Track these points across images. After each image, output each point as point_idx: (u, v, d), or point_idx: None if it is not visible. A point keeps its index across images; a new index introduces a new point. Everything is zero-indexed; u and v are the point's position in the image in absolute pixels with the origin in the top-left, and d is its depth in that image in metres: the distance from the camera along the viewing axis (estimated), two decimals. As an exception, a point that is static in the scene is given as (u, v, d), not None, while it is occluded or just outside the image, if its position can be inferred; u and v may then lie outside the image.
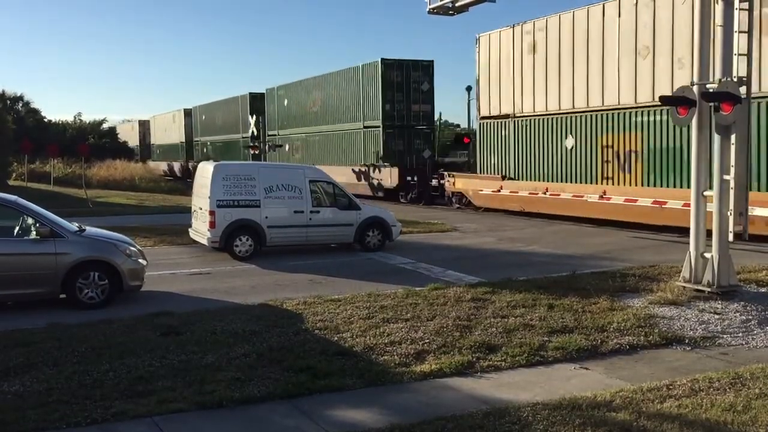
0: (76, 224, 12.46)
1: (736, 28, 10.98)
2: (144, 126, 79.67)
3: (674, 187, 20.45)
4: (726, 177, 11.02)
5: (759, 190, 17.88)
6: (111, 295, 11.75)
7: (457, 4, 16.69)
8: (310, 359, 8.32)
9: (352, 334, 9.38)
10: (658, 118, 20.91)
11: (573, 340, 9.07)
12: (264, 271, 15.25)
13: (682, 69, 19.63)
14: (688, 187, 13.15)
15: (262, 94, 51.06)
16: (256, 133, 49.73)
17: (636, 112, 21.71)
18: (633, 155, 21.87)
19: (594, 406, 6.85)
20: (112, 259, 11.76)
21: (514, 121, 26.96)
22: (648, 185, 21.44)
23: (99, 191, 41.49)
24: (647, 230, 20.92)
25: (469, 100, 43.14)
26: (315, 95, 42.34)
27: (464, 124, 53.84)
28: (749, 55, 11.19)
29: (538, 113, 25.75)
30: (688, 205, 12.21)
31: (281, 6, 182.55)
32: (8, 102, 63.76)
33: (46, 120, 71.37)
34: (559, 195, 23.91)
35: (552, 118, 25.13)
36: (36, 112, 69.76)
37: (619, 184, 22.29)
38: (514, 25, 26.81)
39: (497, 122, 27.95)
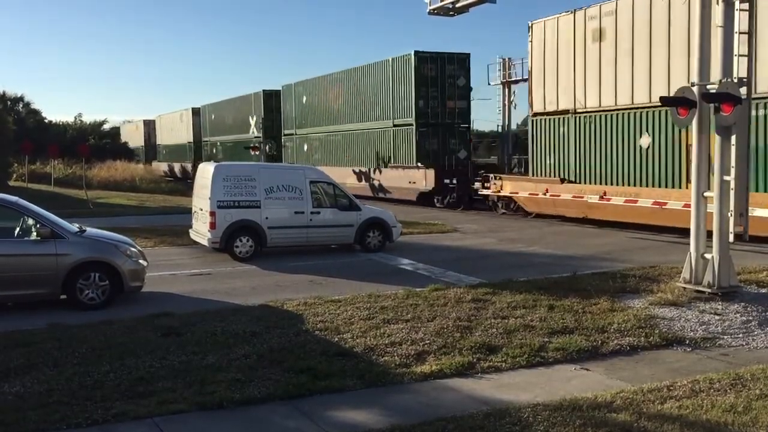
0: (77, 225, 12.47)
1: (736, 28, 10.98)
2: (149, 126, 77.49)
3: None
4: (726, 178, 11.02)
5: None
6: (111, 296, 11.75)
7: (457, 5, 16.68)
8: (311, 360, 8.32)
9: (352, 335, 9.38)
10: (761, 112, 18.06)
11: (573, 341, 9.07)
12: (264, 271, 15.25)
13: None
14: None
15: (277, 92, 48.72)
16: (256, 133, 49.67)
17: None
18: None
19: (594, 407, 6.85)
20: (112, 260, 11.76)
21: (575, 117, 24.22)
22: (760, 190, 18.05)
23: (99, 192, 41.51)
24: (649, 232, 20.91)
25: (509, 99, 39.70)
26: (338, 91, 39.69)
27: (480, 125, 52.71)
28: (750, 55, 11.19)
29: (605, 108, 22.97)
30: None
31: (281, 6, 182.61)
32: (9, 103, 63.77)
33: (46, 121, 71.44)
34: (636, 202, 20.67)
35: (622, 114, 22.36)
36: (36, 112, 69.84)
37: (712, 188, 18.72)
38: (575, 10, 23.81)
39: (554, 119, 25.17)
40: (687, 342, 9.28)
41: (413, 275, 14.69)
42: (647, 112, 21.43)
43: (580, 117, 24.15)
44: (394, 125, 33.99)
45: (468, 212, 28.65)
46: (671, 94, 19.79)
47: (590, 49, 23.24)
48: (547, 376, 8.09)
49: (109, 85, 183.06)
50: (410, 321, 10.09)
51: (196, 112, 63.56)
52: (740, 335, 9.57)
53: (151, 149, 76.09)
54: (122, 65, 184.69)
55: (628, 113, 22.05)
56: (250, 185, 16.76)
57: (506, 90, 40.24)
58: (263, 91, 49.80)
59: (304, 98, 43.92)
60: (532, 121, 26.51)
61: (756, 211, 15.51)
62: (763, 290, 11.96)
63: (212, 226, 16.42)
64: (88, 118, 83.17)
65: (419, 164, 31.74)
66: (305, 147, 43.63)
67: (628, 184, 21.89)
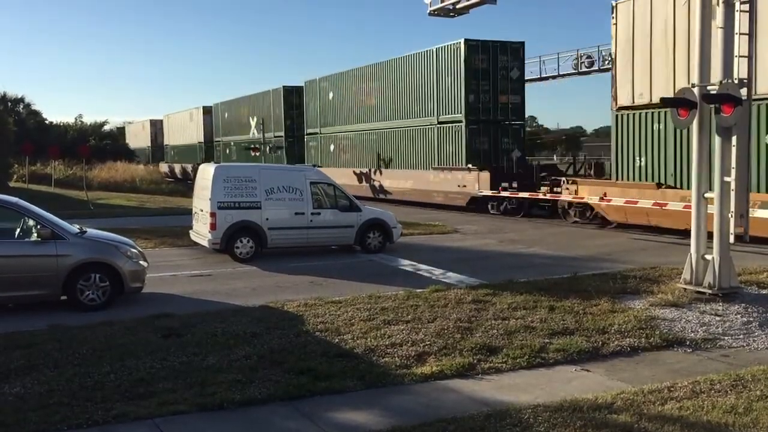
0: (77, 226, 12.47)
1: (736, 29, 10.99)
2: (156, 126, 74.64)
3: None
4: (727, 179, 11.02)
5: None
6: (112, 297, 11.75)
7: (457, 6, 16.72)
8: (311, 361, 8.31)
9: (353, 336, 9.38)
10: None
11: (574, 342, 9.06)
12: (265, 272, 15.25)
13: None
14: None
15: (299, 88, 45.33)
16: (257, 134, 49.35)
17: None
18: None
19: (595, 408, 6.84)
20: (113, 261, 11.77)
21: None
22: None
23: (100, 193, 41.54)
24: (650, 232, 20.91)
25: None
26: (371, 86, 36.12)
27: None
28: (750, 56, 11.19)
29: None
30: None
31: (281, 6, 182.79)
32: (9, 104, 63.91)
33: (47, 122, 71.52)
34: None
35: None
36: (37, 113, 70.00)
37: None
38: None
39: (645, 113, 21.53)
40: (687, 343, 9.28)
41: (414, 276, 14.69)
42: None
43: None
44: (439, 122, 30.73)
45: (533, 221, 25.26)
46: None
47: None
48: (548, 377, 8.09)
49: (110, 86, 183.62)
50: (411, 322, 10.09)
51: (207, 110, 60.59)
52: (741, 336, 9.56)
53: (158, 150, 73.59)
54: (122, 65, 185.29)
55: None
56: (250, 186, 16.76)
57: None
58: (283, 87, 46.68)
59: (331, 94, 40.62)
60: (617, 116, 22.55)
61: (756, 212, 15.49)
62: (764, 291, 11.96)
63: (213, 227, 16.43)
64: (88, 119, 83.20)
65: (470, 166, 28.45)
66: (331, 147, 40.64)
67: (757, 190, 17.64)
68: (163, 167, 66.20)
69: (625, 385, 7.67)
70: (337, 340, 9.24)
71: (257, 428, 6.69)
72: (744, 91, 10.96)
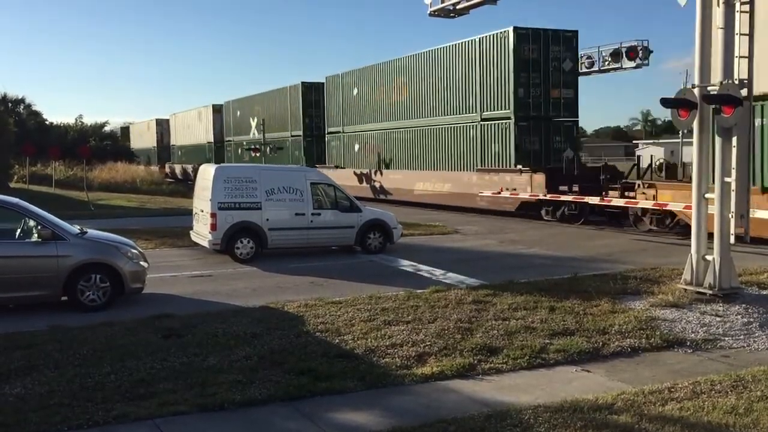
0: (78, 227, 12.47)
1: (737, 30, 10.99)
2: (162, 126, 71.52)
3: None
4: (727, 179, 11.02)
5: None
6: (112, 298, 11.75)
7: (458, 7, 16.73)
8: (312, 361, 8.32)
9: (353, 337, 9.38)
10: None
11: (574, 343, 9.06)
12: (265, 273, 15.25)
13: None
14: None
15: (319, 84, 42.67)
16: (257, 135, 49.06)
17: None
18: None
19: (595, 408, 6.84)
20: (113, 262, 11.77)
21: None
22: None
23: (100, 194, 41.57)
24: (649, 233, 20.91)
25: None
26: (403, 80, 33.30)
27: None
28: (750, 57, 11.19)
29: None
30: None
31: (281, 6, 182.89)
32: (10, 105, 63.95)
33: (47, 122, 71.59)
34: None
35: None
36: (37, 114, 70.10)
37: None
38: None
39: None
40: (688, 343, 9.28)
41: (414, 277, 14.69)
42: None
43: None
44: (483, 119, 27.90)
45: (599, 229, 22.96)
46: None
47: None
48: (548, 377, 8.09)
49: (110, 86, 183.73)
50: (411, 322, 10.09)
51: (216, 109, 57.91)
52: (741, 337, 9.56)
53: (164, 150, 70.48)
54: (122, 65, 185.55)
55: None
56: (250, 187, 16.77)
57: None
58: (302, 83, 43.87)
59: (355, 90, 37.74)
60: (756, 108, 16.30)
61: (757, 213, 15.47)
62: (764, 292, 11.95)
63: (213, 227, 16.43)
64: (88, 120, 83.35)
65: (522, 167, 25.77)
66: (356, 147, 37.79)
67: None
68: (175, 169, 63.54)
69: (626, 385, 7.67)
70: (337, 341, 9.24)
71: (258, 429, 6.69)
72: (744, 92, 10.96)
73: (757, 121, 16.73)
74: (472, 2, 16.40)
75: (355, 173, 36.99)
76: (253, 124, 50.19)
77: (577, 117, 28.10)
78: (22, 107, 67.57)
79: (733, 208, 10.98)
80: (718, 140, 11.25)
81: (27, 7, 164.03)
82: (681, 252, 14.64)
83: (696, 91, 11.34)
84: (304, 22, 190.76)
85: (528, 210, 25.71)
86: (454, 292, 12.03)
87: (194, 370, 8.09)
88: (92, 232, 12.64)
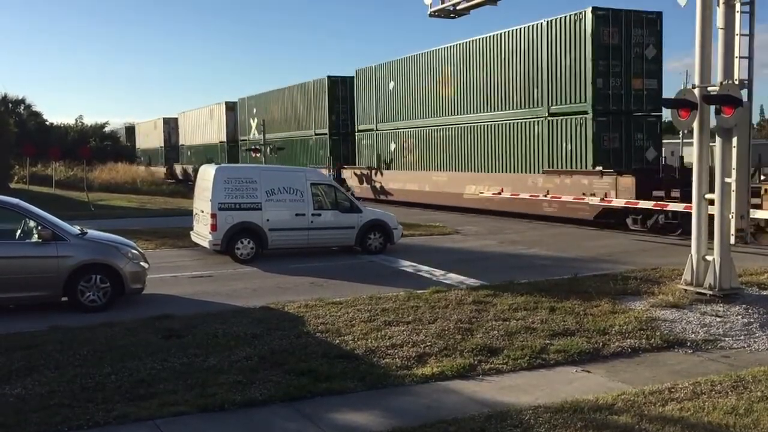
0: (78, 227, 12.47)
1: (737, 30, 10.99)
2: (169, 125, 67.83)
3: None
4: (728, 180, 11.02)
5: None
6: (112, 298, 11.75)
7: (458, 8, 16.73)
8: (312, 362, 8.31)
9: (353, 337, 9.38)
10: None
11: (574, 343, 9.06)
12: (265, 273, 15.25)
13: None
14: None
15: (346, 78, 39.71)
16: (257, 135, 48.79)
17: None
18: None
19: (596, 409, 6.84)
20: (113, 262, 11.77)
21: None
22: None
23: (101, 194, 41.58)
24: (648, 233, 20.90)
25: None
26: (449, 72, 29.96)
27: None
28: (750, 57, 11.19)
29: None
30: None
31: (282, 6, 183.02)
32: (10, 105, 64.00)
33: (47, 123, 71.64)
34: None
35: None
36: (38, 115, 70.17)
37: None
38: None
39: None
40: (688, 344, 9.28)
41: (414, 277, 14.69)
42: None
43: None
44: (551, 114, 24.59)
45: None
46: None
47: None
48: (549, 378, 8.09)
49: (110, 87, 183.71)
50: (411, 323, 10.09)
51: (230, 106, 54.44)
52: (741, 337, 9.56)
53: (172, 150, 66.78)
54: (123, 66, 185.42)
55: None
56: (251, 187, 16.77)
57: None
58: (328, 77, 40.33)
59: (392, 84, 34.42)
60: None
61: (757, 213, 15.47)
62: (765, 292, 11.95)
63: (213, 228, 16.43)
64: (89, 120, 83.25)
65: (603, 168, 22.40)
66: (392, 146, 34.63)
67: None
68: (176, 169, 61.09)
69: (626, 386, 7.67)
70: (337, 341, 9.24)
71: (258, 429, 6.69)
72: (744, 92, 10.96)
73: None
74: (472, 3, 16.38)
75: (418, 175, 32.51)
76: (254, 124, 49.60)
77: (662, 111, 24.15)
78: (22, 108, 67.67)
79: (733, 208, 10.98)
80: (718, 140, 11.26)
81: (27, 7, 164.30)
82: (681, 252, 14.64)
83: (696, 91, 11.35)
84: (304, 22, 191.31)
85: (608, 218, 22.55)
86: (455, 293, 12.03)
87: (194, 370, 8.09)
88: (92, 232, 12.64)
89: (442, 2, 16.86)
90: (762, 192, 19.18)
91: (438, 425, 6.50)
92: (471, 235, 22.07)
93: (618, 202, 21.03)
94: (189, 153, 61.94)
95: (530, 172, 25.34)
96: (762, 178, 23.39)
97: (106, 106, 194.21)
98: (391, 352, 8.75)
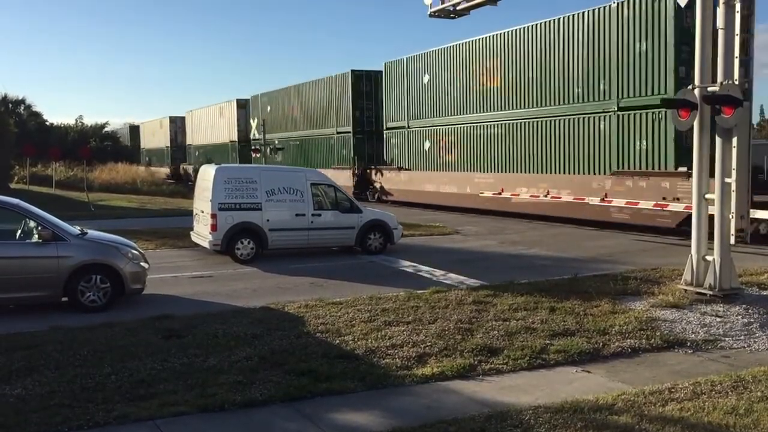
0: (78, 227, 12.47)
1: (737, 31, 10.99)
2: (176, 123, 65.54)
3: None
4: (728, 180, 11.03)
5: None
6: (113, 299, 11.75)
7: (458, 8, 16.73)
8: (312, 362, 8.32)
9: (353, 337, 9.38)
10: None
11: (575, 343, 9.06)
12: (265, 274, 15.26)
13: None
14: None
15: (371, 73, 37.44)
16: (257, 135, 48.58)
17: None
18: None
19: (596, 409, 6.84)
20: (114, 263, 11.77)
21: None
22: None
23: (101, 194, 41.59)
24: (648, 233, 20.89)
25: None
26: (495, 64, 27.20)
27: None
28: (750, 58, 11.20)
29: None
30: None
31: (281, 6, 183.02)
32: (10, 105, 64.05)
33: (47, 123, 71.68)
34: None
35: None
36: (38, 115, 70.27)
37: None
38: None
39: None
40: (688, 344, 9.28)
41: (414, 277, 14.69)
42: None
43: None
44: (621, 108, 21.94)
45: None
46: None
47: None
48: (549, 378, 8.09)
49: (110, 86, 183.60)
50: (411, 323, 10.09)
51: (241, 104, 52.08)
52: (741, 337, 9.56)
53: (179, 150, 64.60)
54: (123, 66, 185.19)
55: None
56: (251, 187, 16.78)
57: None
58: (351, 71, 37.63)
59: (426, 78, 31.86)
60: None
61: (757, 213, 15.46)
62: (765, 292, 11.95)
63: (213, 228, 16.44)
64: (89, 120, 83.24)
65: (688, 169, 18.34)
66: (427, 145, 32.02)
67: None
68: (189, 169, 57.63)
69: (626, 386, 7.67)
70: (337, 342, 9.24)
71: (258, 429, 6.69)
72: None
73: None
74: (472, 3, 16.38)
75: (456, 176, 29.85)
76: (254, 124, 49.34)
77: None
78: (22, 108, 67.76)
79: (733, 208, 10.98)
80: (718, 140, 11.26)
81: (27, 7, 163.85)
82: (681, 252, 14.64)
83: (696, 91, 11.35)
84: (304, 21, 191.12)
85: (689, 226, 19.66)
86: (455, 293, 12.03)
87: (195, 370, 8.09)
88: (92, 232, 12.64)
89: (442, 2, 16.86)
90: None
91: (438, 425, 6.50)
92: (471, 235, 22.08)
93: (713, 209, 18.32)
94: (197, 153, 59.31)
95: (595, 173, 22.80)
96: None
97: (106, 106, 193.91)
98: (391, 353, 8.75)
